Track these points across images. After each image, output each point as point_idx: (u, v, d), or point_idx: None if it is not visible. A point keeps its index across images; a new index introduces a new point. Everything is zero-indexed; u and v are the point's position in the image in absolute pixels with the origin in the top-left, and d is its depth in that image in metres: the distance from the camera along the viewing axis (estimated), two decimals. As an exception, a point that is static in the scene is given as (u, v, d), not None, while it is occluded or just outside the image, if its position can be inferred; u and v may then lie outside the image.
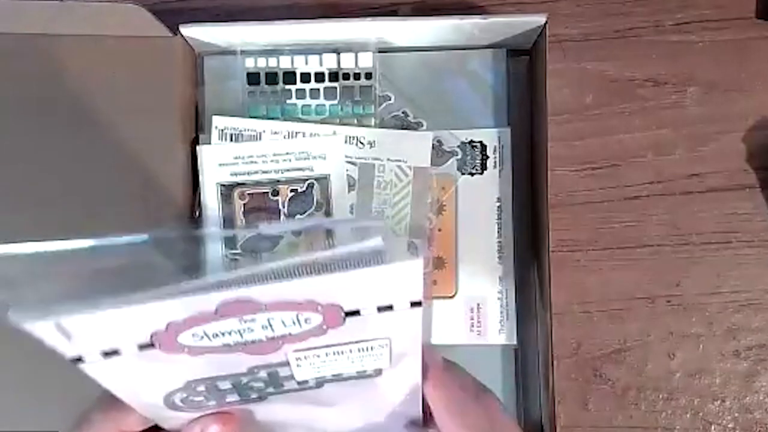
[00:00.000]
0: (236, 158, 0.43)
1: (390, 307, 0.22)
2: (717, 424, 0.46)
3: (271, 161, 0.43)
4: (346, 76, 0.44)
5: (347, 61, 0.44)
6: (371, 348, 0.23)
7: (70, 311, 0.21)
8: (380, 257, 0.20)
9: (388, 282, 0.21)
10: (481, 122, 0.44)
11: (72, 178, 0.43)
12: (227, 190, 0.43)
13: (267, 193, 0.43)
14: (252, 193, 0.43)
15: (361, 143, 0.44)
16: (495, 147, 0.44)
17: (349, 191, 0.44)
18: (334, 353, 0.23)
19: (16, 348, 0.42)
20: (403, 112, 0.45)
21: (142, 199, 0.42)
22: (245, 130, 0.43)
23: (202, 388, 0.24)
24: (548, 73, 0.41)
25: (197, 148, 0.43)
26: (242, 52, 0.44)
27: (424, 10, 0.46)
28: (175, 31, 0.42)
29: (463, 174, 0.44)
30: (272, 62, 0.44)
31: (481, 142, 0.44)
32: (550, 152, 0.41)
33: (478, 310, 0.43)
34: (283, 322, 0.21)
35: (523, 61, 0.46)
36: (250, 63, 0.44)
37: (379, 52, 0.44)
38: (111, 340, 0.21)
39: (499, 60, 0.45)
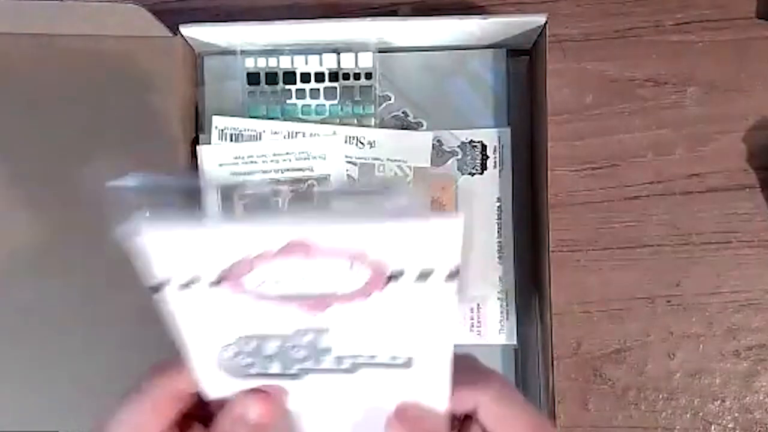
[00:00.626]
0: (236, 158, 0.43)
1: (428, 275, 0.23)
2: (717, 424, 0.46)
3: (271, 161, 0.43)
4: (346, 76, 0.44)
5: (347, 61, 0.44)
6: (406, 323, 0.24)
7: (167, 228, 0.24)
8: (424, 215, 0.22)
9: (431, 239, 0.22)
10: (481, 122, 0.44)
11: (71, 177, 0.43)
12: (227, 190, 0.43)
13: (267, 193, 0.43)
14: (252, 193, 0.43)
15: (361, 143, 0.44)
16: (495, 147, 0.44)
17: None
18: (373, 323, 0.24)
19: (17, 348, 0.42)
20: (403, 112, 0.45)
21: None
22: (245, 130, 0.43)
23: (250, 347, 0.25)
24: (548, 73, 0.41)
25: (197, 148, 0.43)
26: (242, 52, 0.44)
27: (424, 10, 0.46)
28: (175, 31, 0.42)
29: (463, 174, 0.44)
30: (272, 62, 0.44)
31: (481, 142, 0.44)
32: (550, 152, 0.41)
33: (478, 310, 0.43)
34: (334, 275, 0.23)
35: (523, 61, 0.46)
36: (250, 63, 0.44)
37: (379, 52, 0.44)
38: (190, 268, 0.24)
39: (499, 60, 0.45)
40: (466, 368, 0.26)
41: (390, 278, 0.23)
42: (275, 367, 0.26)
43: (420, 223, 0.22)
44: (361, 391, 0.27)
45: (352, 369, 0.26)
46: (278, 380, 0.27)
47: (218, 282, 0.24)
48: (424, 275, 0.23)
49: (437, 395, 0.26)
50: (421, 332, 0.25)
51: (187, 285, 0.24)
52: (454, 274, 0.23)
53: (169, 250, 0.24)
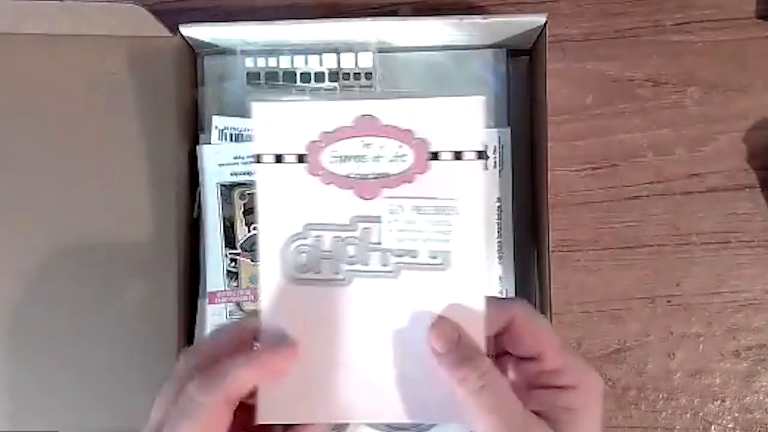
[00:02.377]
0: (236, 158, 0.43)
1: (461, 154, 0.29)
2: (717, 424, 0.46)
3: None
4: (346, 76, 0.44)
5: (347, 61, 0.44)
6: (443, 210, 0.29)
7: (278, 100, 0.30)
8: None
9: (459, 116, 0.29)
10: (481, 122, 0.44)
11: (71, 177, 0.43)
12: (227, 190, 0.43)
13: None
14: (252, 193, 0.43)
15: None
16: (495, 147, 0.44)
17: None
18: (416, 210, 0.29)
19: (17, 348, 0.42)
20: (403, 112, 0.45)
21: (141, 199, 0.42)
22: (245, 130, 0.43)
23: (311, 239, 0.30)
24: (548, 73, 0.41)
25: (197, 148, 0.43)
26: (242, 52, 0.44)
27: (424, 10, 0.46)
28: (175, 31, 0.42)
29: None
30: (272, 62, 0.44)
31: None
32: (550, 152, 0.41)
33: (478, 310, 0.43)
34: (388, 155, 0.29)
35: (523, 61, 0.46)
36: (250, 63, 0.44)
37: (379, 52, 0.44)
38: (283, 142, 0.29)
39: (499, 60, 0.45)
40: (494, 299, 0.30)
41: (431, 158, 0.29)
42: (326, 270, 0.30)
43: (449, 100, 0.29)
44: (403, 295, 0.30)
45: (395, 271, 0.30)
46: (328, 286, 0.30)
47: (301, 158, 0.29)
48: (458, 154, 0.29)
49: (473, 297, 0.29)
50: (457, 217, 0.29)
51: (278, 159, 0.30)
52: (482, 154, 0.29)
53: (269, 122, 0.30)
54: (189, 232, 0.43)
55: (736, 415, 0.45)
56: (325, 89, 0.44)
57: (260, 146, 0.30)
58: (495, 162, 0.44)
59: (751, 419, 0.45)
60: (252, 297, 0.43)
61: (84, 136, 0.43)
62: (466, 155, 0.29)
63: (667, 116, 0.46)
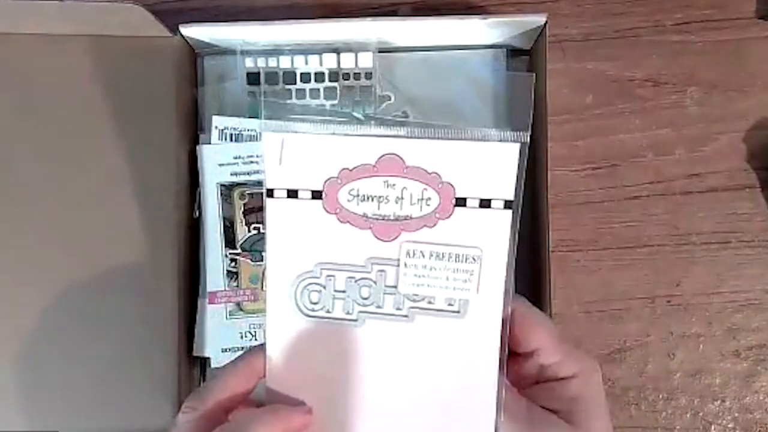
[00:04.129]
0: (236, 158, 0.43)
1: (489, 203, 0.27)
2: (717, 424, 0.46)
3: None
4: (346, 76, 0.44)
5: (347, 61, 0.44)
6: (465, 258, 0.28)
7: (293, 132, 0.28)
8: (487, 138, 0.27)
9: (491, 163, 0.27)
10: (481, 122, 0.44)
11: (71, 177, 0.43)
12: (227, 190, 0.43)
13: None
14: (252, 193, 0.43)
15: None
16: (495, 147, 0.44)
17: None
18: (436, 256, 0.28)
19: (17, 348, 0.42)
20: (403, 112, 0.45)
21: (141, 199, 0.42)
22: (245, 130, 0.43)
23: (323, 278, 0.29)
24: (548, 73, 0.41)
25: (197, 148, 0.43)
26: (242, 52, 0.44)
27: (424, 10, 0.46)
28: (175, 31, 0.42)
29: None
30: (272, 62, 0.44)
31: (481, 142, 0.44)
32: (550, 152, 0.41)
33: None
34: (411, 198, 0.27)
35: (523, 61, 0.46)
36: (250, 63, 0.44)
37: (379, 52, 0.44)
38: (298, 177, 0.28)
39: (499, 60, 0.45)
40: None
41: (457, 203, 0.27)
42: (338, 310, 0.29)
43: (482, 145, 0.27)
44: (417, 340, 0.29)
45: (410, 316, 0.28)
46: (339, 324, 0.29)
47: (316, 194, 0.28)
48: (486, 202, 0.27)
49: (488, 345, 0.28)
50: (477, 268, 0.28)
51: (291, 195, 0.28)
52: (510, 203, 0.27)
53: (283, 155, 0.28)
54: (189, 232, 0.43)
55: (736, 415, 0.45)
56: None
57: (272, 180, 0.28)
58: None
59: (751, 419, 0.45)
60: (252, 297, 0.43)
61: (84, 136, 0.43)
62: (495, 203, 0.27)
63: (667, 116, 0.46)
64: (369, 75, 0.44)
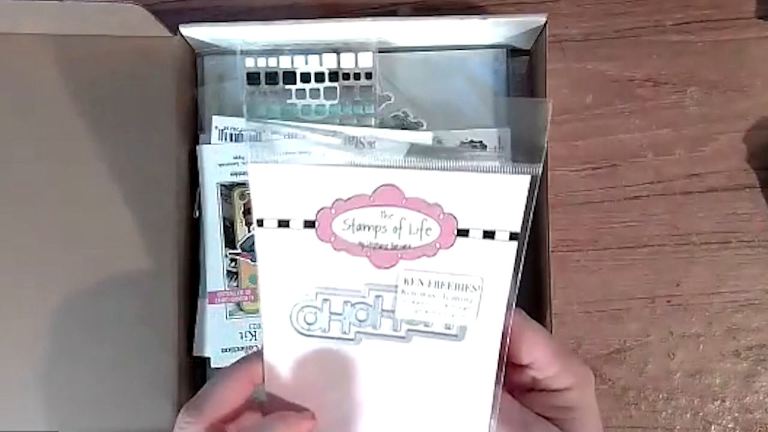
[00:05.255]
0: (236, 158, 0.43)
1: (493, 234, 0.26)
2: (717, 424, 0.46)
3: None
4: (346, 76, 0.44)
5: (347, 61, 0.44)
6: (465, 287, 0.27)
7: (282, 162, 0.27)
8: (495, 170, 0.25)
9: (498, 195, 0.25)
10: (481, 122, 0.44)
11: (71, 177, 0.43)
12: (227, 190, 0.43)
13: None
14: (252, 193, 0.43)
15: (361, 143, 0.43)
16: (495, 147, 0.44)
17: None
18: (435, 284, 0.27)
19: (17, 348, 0.42)
20: (403, 112, 0.45)
21: (141, 199, 0.42)
22: (245, 131, 0.43)
23: (318, 302, 0.28)
24: (548, 73, 0.41)
25: (197, 148, 0.43)
26: (242, 52, 0.44)
27: (424, 10, 0.46)
28: (175, 31, 0.42)
29: (463, 174, 0.44)
30: (272, 62, 0.44)
31: (481, 141, 0.44)
32: (550, 152, 0.41)
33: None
34: (410, 228, 0.26)
35: (523, 61, 0.46)
36: (250, 63, 0.44)
37: (379, 52, 0.44)
38: (289, 207, 0.27)
39: (499, 60, 0.45)
40: None
41: (459, 234, 0.26)
42: (334, 330, 0.28)
43: (489, 177, 0.26)
44: (413, 360, 0.28)
45: (407, 337, 0.28)
46: (335, 343, 0.28)
47: (312, 223, 0.27)
48: (490, 233, 0.26)
49: (485, 368, 0.27)
50: (478, 296, 0.27)
51: (282, 224, 0.27)
52: (515, 235, 0.26)
53: (272, 187, 0.27)
54: (189, 232, 0.43)
55: (736, 415, 0.45)
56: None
57: (261, 211, 0.27)
58: (495, 162, 0.44)
59: (751, 419, 0.45)
60: (252, 297, 0.43)
61: (83, 136, 0.43)
62: (499, 235, 0.26)
63: (667, 116, 0.46)
64: (369, 75, 0.44)
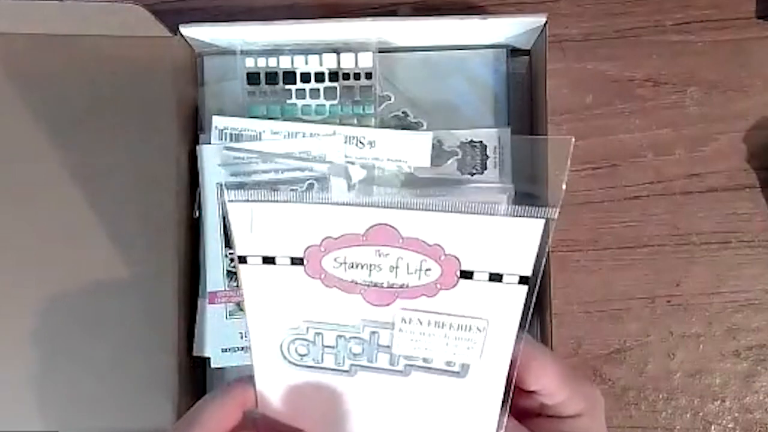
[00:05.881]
0: (236, 158, 0.43)
1: (500, 277, 0.24)
2: (717, 424, 0.46)
3: (271, 161, 0.43)
4: (346, 76, 0.44)
5: (347, 61, 0.44)
6: (468, 328, 0.25)
7: (263, 200, 0.24)
8: (505, 212, 0.23)
9: (508, 237, 0.23)
10: (481, 122, 0.44)
11: (71, 177, 0.43)
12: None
13: (267, 193, 0.43)
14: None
15: (361, 143, 0.44)
16: (495, 147, 0.44)
17: (349, 191, 0.44)
18: (435, 324, 0.25)
19: (16, 347, 0.42)
20: (403, 112, 0.45)
21: (141, 199, 0.42)
22: (245, 130, 0.43)
23: (311, 335, 0.26)
24: (548, 73, 0.41)
25: (197, 148, 0.43)
26: (242, 52, 0.44)
27: (424, 10, 0.46)
28: (175, 31, 0.42)
29: (463, 174, 0.44)
30: (272, 62, 0.44)
31: (481, 142, 0.44)
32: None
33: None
34: (407, 267, 0.24)
35: (523, 61, 0.46)
36: (250, 63, 0.44)
37: (379, 52, 0.44)
38: (274, 244, 0.25)
39: (499, 60, 0.45)
40: None
41: (462, 275, 0.24)
42: (328, 361, 0.27)
43: (497, 220, 0.23)
44: (411, 395, 0.26)
45: (405, 372, 0.26)
46: (329, 374, 0.27)
47: (299, 260, 0.25)
48: (497, 276, 0.23)
49: (489, 406, 0.26)
50: (482, 337, 0.25)
51: (267, 261, 0.25)
52: (526, 278, 0.23)
53: (254, 224, 0.25)
54: (189, 232, 0.43)
55: (736, 415, 0.45)
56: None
57: (243, 248, 0.25)
58: (495, 162, 0.44)
59: (751, 419, 0.45)
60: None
61: (83, 136, 0.43)
62: (507, 278, 0.24)
63: (667, 116, 0.46)
64: (369, 75, 0.44)
